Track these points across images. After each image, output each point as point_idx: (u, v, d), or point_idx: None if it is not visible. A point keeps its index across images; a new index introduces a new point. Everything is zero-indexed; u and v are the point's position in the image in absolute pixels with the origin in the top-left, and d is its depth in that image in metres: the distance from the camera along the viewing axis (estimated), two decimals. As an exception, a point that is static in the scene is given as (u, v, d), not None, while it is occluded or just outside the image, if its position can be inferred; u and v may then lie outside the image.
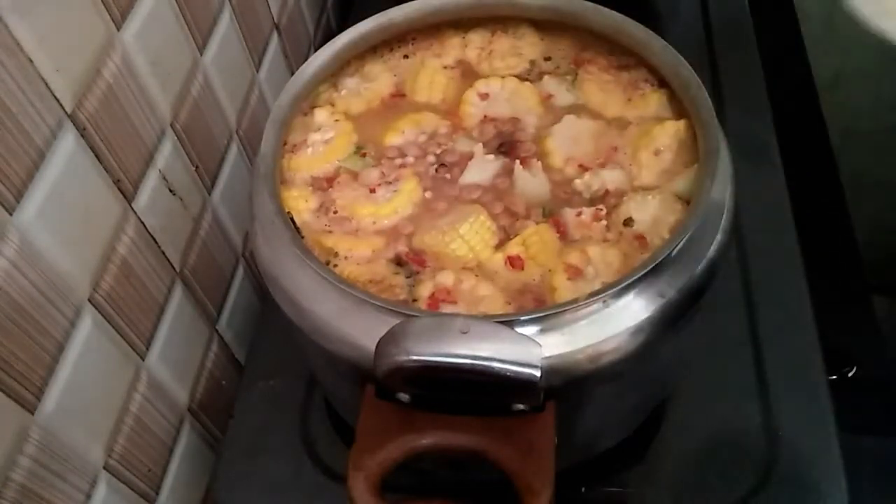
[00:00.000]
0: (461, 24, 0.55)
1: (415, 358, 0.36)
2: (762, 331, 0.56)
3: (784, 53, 0.85)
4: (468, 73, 0.54)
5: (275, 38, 0.74)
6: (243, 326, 0.67)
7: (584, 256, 0.43)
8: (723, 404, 0.53)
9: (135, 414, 0.51)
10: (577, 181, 0.47)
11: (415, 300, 0.42)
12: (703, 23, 0.81)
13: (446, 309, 0.41)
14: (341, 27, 0.59)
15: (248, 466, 0.54)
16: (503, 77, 0.52)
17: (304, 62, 0.51)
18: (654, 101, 0.50)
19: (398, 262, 0.44)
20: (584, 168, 0.47)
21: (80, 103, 0.45)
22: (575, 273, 0.42)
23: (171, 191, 0.55)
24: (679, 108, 0.48)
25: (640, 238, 0.44)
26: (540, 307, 0.41)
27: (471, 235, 0.44)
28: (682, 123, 0.47)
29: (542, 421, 0.37)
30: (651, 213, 0.44)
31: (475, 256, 0.44)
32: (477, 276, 0.43)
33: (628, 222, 0.44)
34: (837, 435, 0.51)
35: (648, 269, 0.38)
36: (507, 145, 0.49)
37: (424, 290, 0.43)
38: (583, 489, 0.51)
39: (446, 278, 0.43)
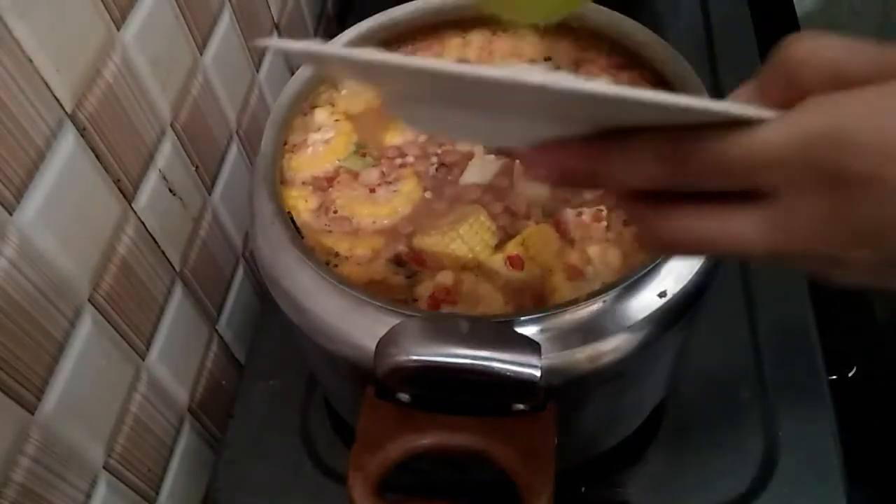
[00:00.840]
0: (461, 24, 0.55)
1: (415, 358, 0.36)
2: (762, 331, 0.56)
3: (784, 53, 0.84)
4: None
5: (275, 38, 0.74)
6: (243, 326, 0.67)
7: (584, 256, 0.43)
8: (723, 404, 0.53)
9: (135, 414, 0.51)
10: None
11: (415, 300, 0.42)
12: (703, 23, 0.81)
13: (446, 309, 0.41)
14: (341, 27, 0.59)
15: (248, 466, 0.54)
16: None
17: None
18: None
19: (398, 261, 0.44)
20: None
21: (80, 103, 0.45)
22: (575, 273, 0.42)
23: (171, 191, 0.55)
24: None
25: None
26: (540, 307, 0.41)
27: (470, 236, 0.44)
28: None
29: (542, 421, 0.37)
30: None
31: (475, 257, 0.44)
32: (477, 276, 0.43)
33: (628, 222, 0.44)
34: (837, 435, 0.51)
35: (648, 269, 0.38)
36: (507, 145, 0.49)
37: (424, 290, 0.43)
38: (583, 489, 0.51)
39: (446, 278, 0.43)
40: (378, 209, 0.46)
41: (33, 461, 0.41)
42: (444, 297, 0.42)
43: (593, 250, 0.43)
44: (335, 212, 0.47)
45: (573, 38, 0.54)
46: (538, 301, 0.42)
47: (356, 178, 0.48)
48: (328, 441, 0.55)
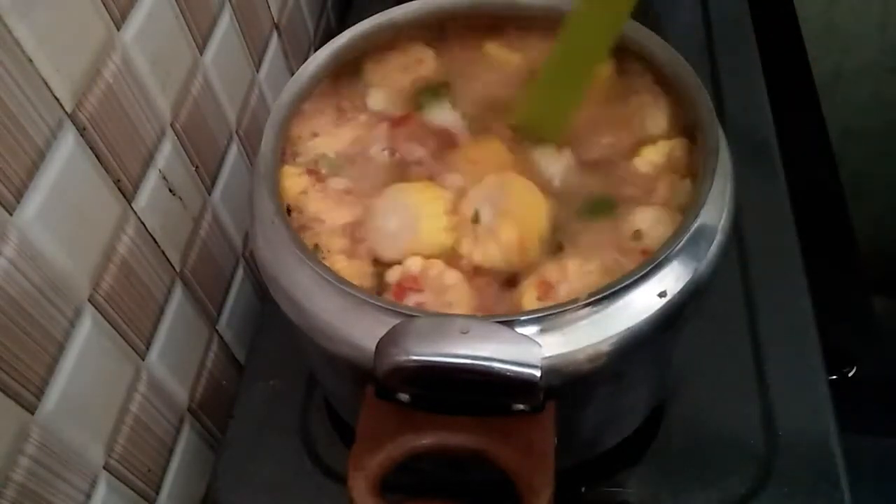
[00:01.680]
0: (461, 24, 0.55)
1: (415, 358, 0.36)
2: (762, 331, 0.56)
3: (784, 53, 0.85)
4: None
5: (275, 38, 0.74)
6: (243, 326, 0.67)
7: (562, 272, 0.42)
8: (723, 404, 0.53)
9: (135, 414, 0.51)
10: None
11: (382, 291, 0.42)
12: (703, 23, 0.81)
13: (412, 298, 0.42)
14: (341, 27, 0.59)
15: (248, 466, 0.54)
16: None
17: (304, 62, 0.51)
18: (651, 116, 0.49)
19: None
20: None
21: (80, 103, 0.45)
22: (546, 290, 0.42)
23: (171, 191, 0.55)
24: (677, 115, 0.48)
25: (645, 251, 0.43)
26: (540, 307, 0.41)
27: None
28: (665, 152, 0.47)
29: (542, 421, 0.37)
30: (660, 230, 0.44)
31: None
32: (444, 264, 0.43)
33: (637, 235, 0.43)
34: (837, 435, 0.51)
35: (648, 268, 0.38)
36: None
37: (391, 278, 0.43)
38: (583, 489, 0.51)
39: (414, 265, 0.43)
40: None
41: (33, 461, 0.41)
42: (411, 286, 0.42)
43: (573, 264, 0.42)
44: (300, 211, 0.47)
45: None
46: (505, 299, 0.42)
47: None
48: (328, 441, 0.54)
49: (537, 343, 0.36)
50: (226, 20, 0.63)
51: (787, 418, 0.52)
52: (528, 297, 0.42)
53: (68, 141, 0.44)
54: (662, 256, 0.39)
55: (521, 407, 0.37)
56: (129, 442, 0.51)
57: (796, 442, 0.51)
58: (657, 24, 0.50)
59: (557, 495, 0.35)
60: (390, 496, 0.36)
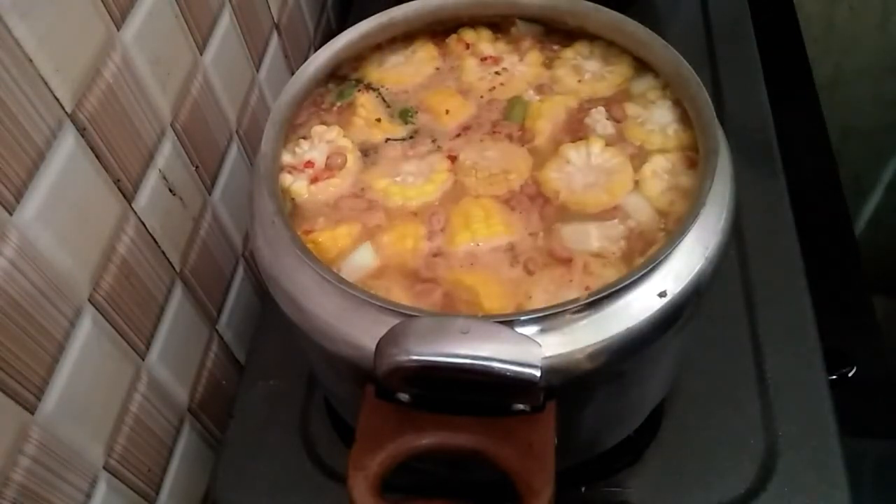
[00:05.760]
0: (462, 24, 0.55)
1: (415, 358, 0.36)
2: (762, 331, 0.56)
3: (784, 53, 0.85)
4: None
5: (275, 38, 0.74)
6: (243, 326, 0.67)
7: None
8: (723, 404, 0.53)
9: (135, 414, 0.51)
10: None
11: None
12: (703, 23, 0.81)
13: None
14: (341, 27, 0.59)
15: (248, 466, 0.54)
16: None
17: (304, 62, 0.51)
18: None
19: None
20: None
21: (80, 103, 0.45)
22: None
23: (171, 191, 0.55)
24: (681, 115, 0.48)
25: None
26: (540, 307, 0.41)
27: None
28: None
29: (542, 421, 0.37)
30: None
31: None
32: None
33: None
34: (837, 435, 0.51)
35: (648, 268, 0.38)
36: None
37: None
38: (583, 489, 0.51)
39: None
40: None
41: (33, 461, 0.41)
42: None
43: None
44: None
45: (573, 39, 0.54)
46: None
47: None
48: (328, 441, 0.55)
49: (537, 343, 0.36)
50: (226, 20, 0.63)
51: (787, 418, 0.52)
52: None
53: (68, 141, 0.44)
54: (662, 256, 0.39)
55: (521, 407, 0.37)
56: (129, 442, 0.51)
57: (796, 442, 0.51)
58: (657, 24, 0.50)
59: (557, 495, 0.35)
60: (390, 496, 0.36)
